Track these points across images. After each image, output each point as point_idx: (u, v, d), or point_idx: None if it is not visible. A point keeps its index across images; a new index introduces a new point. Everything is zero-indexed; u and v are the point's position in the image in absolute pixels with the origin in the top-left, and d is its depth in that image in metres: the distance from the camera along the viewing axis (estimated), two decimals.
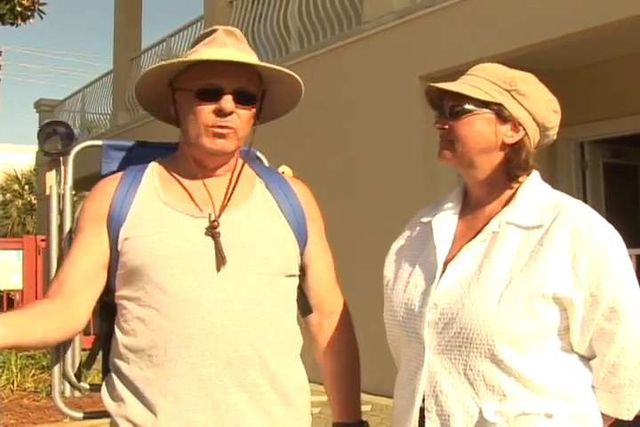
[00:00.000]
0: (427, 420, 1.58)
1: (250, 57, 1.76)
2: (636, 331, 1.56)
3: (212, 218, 1.72)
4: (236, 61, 1.70)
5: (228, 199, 1.75)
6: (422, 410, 1.59)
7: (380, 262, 1.82)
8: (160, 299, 1.66)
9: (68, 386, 1.92)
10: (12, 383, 7.13)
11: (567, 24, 5.35)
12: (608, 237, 1.56)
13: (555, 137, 1.71)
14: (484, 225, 1.64)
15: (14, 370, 7.23)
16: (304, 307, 1.87)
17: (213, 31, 1.77)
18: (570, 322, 1.56)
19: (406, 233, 1.82)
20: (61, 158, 1.99)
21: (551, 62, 6.20)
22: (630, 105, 6.36)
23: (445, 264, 1.64)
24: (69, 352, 1.89)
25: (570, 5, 5.34)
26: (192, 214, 1.73)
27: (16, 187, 22.95)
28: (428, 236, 1.72)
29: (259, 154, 2.09)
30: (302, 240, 1.81)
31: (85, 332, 1.80)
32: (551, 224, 1.57)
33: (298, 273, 1.82)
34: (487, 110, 1.61)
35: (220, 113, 1.69)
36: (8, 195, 23.17)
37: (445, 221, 1.71)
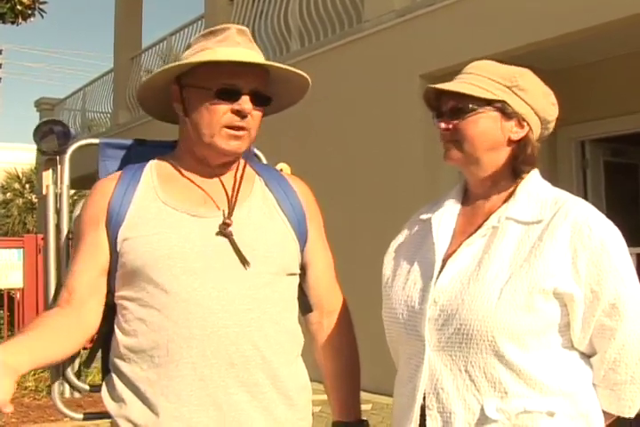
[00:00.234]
0: (428, 418, 1.58)
1: (262, 57, 1.76)
2: (636, 327, 1.56)
3: (225, 215, 1.72)
4: (257, 63, 1.70)
5: (235, 199, 1.75)
6: (423, 408, 1.59)
7: (380, 261, 1.82)
8: (161, 299, 1.65)
9: (67, 387, 1.91)
10: None
11: (567, 23, 5.35)
12: (608, 232, 1.56)
13: (551, 129, 1.72)
14: (484, 221, 1.64)
15: None
16: (304, 306, 1.87)
17: (226, 29, 1.75)
18: (570, 318, 1.56)
19: (405, 231, 1.82)
20: (58, 157, 1.98)
21: (551, 61, 6.20)
22: (631, 104, 6.35)
23: (444, 260, 1.64)
24: None
25: (570, 4, 5.34)
26: (192, 214, 1.72)
27: (17, 186, 22.93)
28: (426, 233, 1.72)
29: (257, 151, 2.08)
30: (302, 239, 1.81)
31: None
32: (551, 220, 1.57)
33: (298, 272, 1.81)
34: (491, 108, 1.62)
35: (239, 114, 1.69)
36: (9, 194, 23.16)
37: (445, 218, 1.71)
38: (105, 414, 1.74)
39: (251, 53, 1.73)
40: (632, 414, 1.63)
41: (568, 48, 5.94)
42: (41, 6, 8.76)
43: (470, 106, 1.61)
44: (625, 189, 7.25)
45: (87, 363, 1.92)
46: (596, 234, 1.54)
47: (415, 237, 1.77)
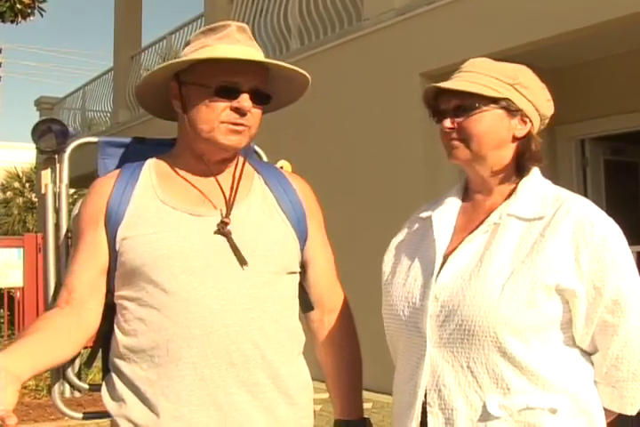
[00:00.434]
0: (429, 415, 1.57)
1: (262, 55, 1.75)
2: (638, 324, 1.56)
3: (223, 214, 1.71)
4: (257, 61, 1.70)
5: (234, 197, 1.75)
6: (423, 406, 1.59)
7: (380, 260, 1.82)
8: (161, 299, 1.64)
9: (67, 386, 1.90)
10: None
11: (567, 21, 5.35)
12: (610, 229, 1.57)
13: (545, 124, 1.73)
14: (485, 218, 1.64)
15: None
16: (305, 304, 1.86)
17: (226, 26, 1.74)
18: (573, 315, 1.56)
19: (405, 229, 1.82)
20: (57, 156, 1.97)
21: (551, 59, 6.20)
22: (630, 102, 6.35)
23: (445, 257, 1.64)
24: None
25: (569, 3, 5.34)
26: (191, 213, 1.72)
27: (17, 185, 22.92)
28: (427, 230, 1.72)
29: (257, 148, 2.07)
30: (302, 237, 1.81)
31: None
32: (553, 216, 1.57)
33: (298, 270, 1.81)
34: (495, 106, 1.62)
35: (238, 111, 1.69)
36: (9, 193, 23.14)
37: (445, 216, 1.71)
38: (105, 414, 1.73)
39: (250, 51, 1.72)
40: (634, 412, 1.63)
41: (568, 46, 5.94)
42: (40, 5, 8.76)
43: (476, 104, 1.61)
44: (625, 187, 7.24)
45: (88, 363, 1.91)
46: (598, 230, 1.54)
47: (415, 235, 1.77)
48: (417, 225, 1.79)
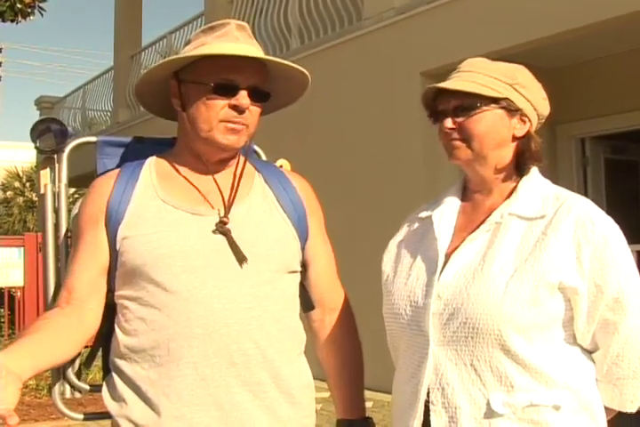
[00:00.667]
0: (432, 413, 1.57)
1: (261, 53, 1.75)
2: (639, 322, 1.57)
3: (221, 214, 1.71)
4: (256, 58, 1.70)
5: (234, 196, 1.74)
6: (426, 404, 1.59)
7: (380, 259, 1.82)
8: (162, 298, 1.64)
9: (67, 387, 1.90)
10: None
11: (566, 21, 5.35)
12: (610, 228, 1.58)
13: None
14: (486, 217, 1.65)
15: None
16: (306, 303, 1.86)
17: (225, 24, 1.74)
18: (574, 313, 1.56)
19: (405, 228, 1.82)
20: (56, 156, 1.97)
21: (551, 59, 6.20)
22: (630, 101, 6.35)
23: (447, 256, 1.64)
24: None
25: (569, 2, 5.34)
26: (192, 212, 1.71)
27: (17, 184, 22.91)
28: (427, 229, 1.72)
29: (256, 148, 2.06)
30: (303, 236, 1.80)
31: None
32: (554, 215, 1.58)
33: (299, 269, 1.81)
34: (496, 106, 1.63)
35: (237, 109, 1.68)
36: (9, 192, 23.13)
37: (446, 215, 1.71)
38: (105, 415, 1.73)
39: (249, 48, 1.71)
40: (634, 409, 1.64)
41: (567, 46, 5.94)
42: (40, 5, 8.75)
43: (477, 104, 1.62)
44: (625, 186, 7.25)
45: (87, 363, 1.91)
46: (598, 229, 1.55)
47: (415, 234, 1.77)
48: (416, 225, 1.79)
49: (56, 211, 1.95)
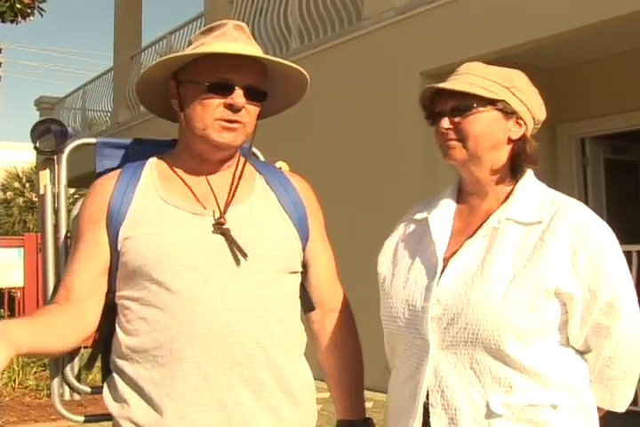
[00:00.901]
0: (432, 415, 1.58)
1: (260, 52, 1.75)
2: (631, 326, 1.60)
3: (217, 215, 1.71)
4: (252, 56, 1.70)
5: (233, 196, 1.75)
6: (425, 406, 1.60)
7: None
8: (164, 298, 1.64)
9: (67, 389, 1.89)
10: (14, 381, 7.13)
11: (566, 21, 5.35)
12: (605, 234, 1.60)
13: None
14: (483, 221, 1.66)
15: (16, 368, 7.23)
16: (306, 304, 1.86)
17: (223, 25, 1.75)
18: (569, 316, 1.59)
19: (400, 229, 1.83)
20: (55, 157, 1.97)
21: (551, 59, 6.19)
22: (630, 101, 6.35)
23: (445, 260, 1.65)
24: (68, 354, 1.87)
25: (569, 2, 5.34)
26: (193, 212, 1.72)
27: (17, 185, 22.91)
28: (424, 232, 1.73)
29: (254, 149, 2.07)
30: (304, 237, 1.81)
31: None
32: (551, 220, 1.59)
33: (300, 270, 1.81)
34: (492, 107, 1.64)
35: (232, 108, 1.69)
36: (9, 193, 23.13)
37: (442, 218, 1.72)
38: (106, 416, 1.73)
39: (247, 48, 1.72)
40: (623, 409, 1.68)
41: (567, 46, 5.94)
42: (40, 5, 8.77)
43: (474, 105, 1.63)
44: (625, 186, 7.24)
45: (89, 365, 1.90)
46: (594, 235, 1.57)
47: (411, 237, 1.77)
48: (412, 226, 1.80)
49: (56, 211, 1.95)
